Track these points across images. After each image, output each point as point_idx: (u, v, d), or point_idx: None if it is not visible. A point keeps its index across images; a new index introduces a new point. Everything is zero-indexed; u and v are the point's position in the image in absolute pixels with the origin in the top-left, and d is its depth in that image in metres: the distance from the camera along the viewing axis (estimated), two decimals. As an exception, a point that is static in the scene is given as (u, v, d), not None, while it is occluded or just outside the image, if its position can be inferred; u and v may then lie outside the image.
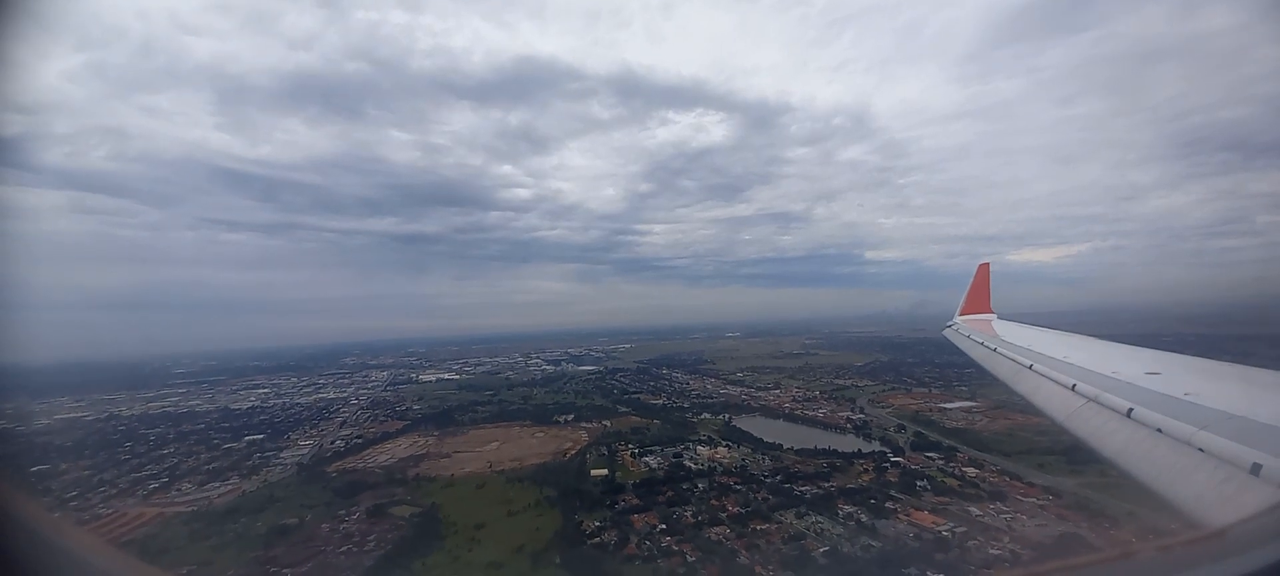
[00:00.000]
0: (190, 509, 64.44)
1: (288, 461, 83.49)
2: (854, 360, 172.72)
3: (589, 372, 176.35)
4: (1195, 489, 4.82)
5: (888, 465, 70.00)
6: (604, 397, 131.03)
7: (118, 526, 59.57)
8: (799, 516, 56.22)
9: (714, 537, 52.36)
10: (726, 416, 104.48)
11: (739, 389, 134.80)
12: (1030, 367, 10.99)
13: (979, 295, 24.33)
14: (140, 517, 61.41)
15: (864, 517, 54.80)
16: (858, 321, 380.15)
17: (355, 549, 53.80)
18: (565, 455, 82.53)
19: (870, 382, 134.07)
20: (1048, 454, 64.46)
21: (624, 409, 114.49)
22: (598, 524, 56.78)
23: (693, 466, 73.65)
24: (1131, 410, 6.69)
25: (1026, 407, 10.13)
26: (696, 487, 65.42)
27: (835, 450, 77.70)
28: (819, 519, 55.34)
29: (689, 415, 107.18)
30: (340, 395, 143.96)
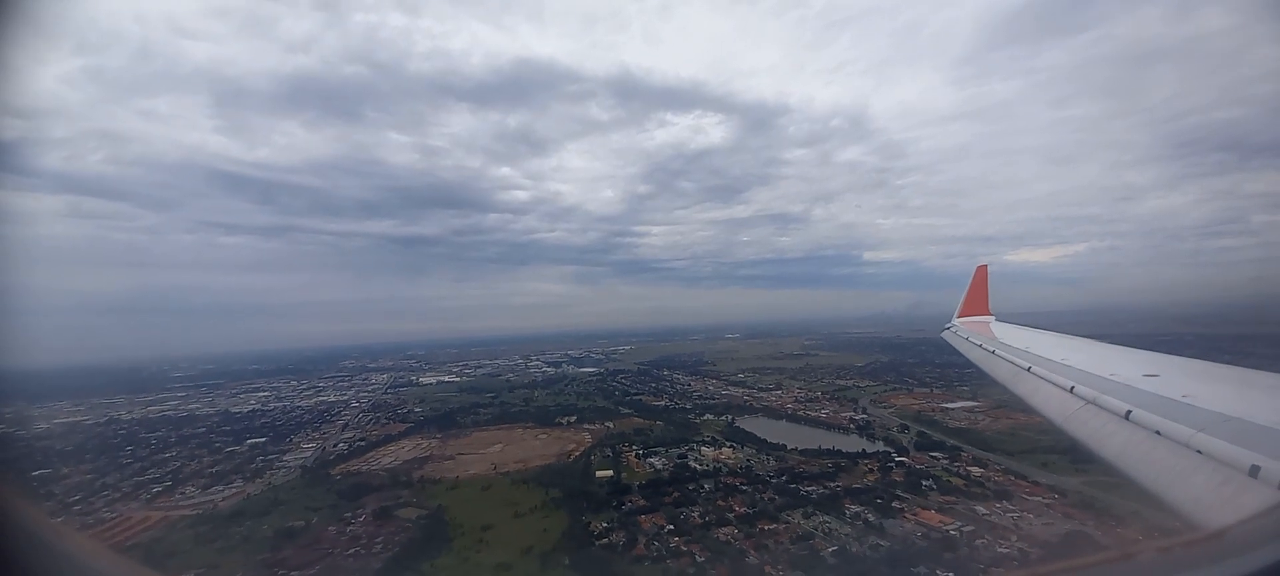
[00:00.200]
0: (195, 512, 64.20)
1: (291, 464, 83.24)
2: (854, 361, 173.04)
3: (590, 374, 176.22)
4: (1194, 491, 4.83)
5: (892, 465, 70.24)
6: (606, 399, 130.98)
7: (123, 530, 59.34)
8: (806, 516, 56.35)
9: (722, 538, 52.46)
10: (729, 417, 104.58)
11: (741, 390, 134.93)
12: (1029, 370, 11.03)
13: (977, 297, 24.36)
14: (145, 521, 61.16)
15: (871, 517, 54.97)
16: (856, 322, 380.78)
17: (363, 551, 53.68)
18: (569, 457, 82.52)
19: (871, 383, 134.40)
20: (1051, 453, 64.71)
21: (626, 410, 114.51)
22: (605, 525, 56.77)
23: (698, 467, 73.75)
24: (1130, 412, 6.70)
25: (1028, 408, 10.19)
26: (702, 488, 65.48)
27: (839, 450, 77.90)
28: (826, 518, 55.49)
29: (692, 416, 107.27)
30: (341, 398, 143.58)
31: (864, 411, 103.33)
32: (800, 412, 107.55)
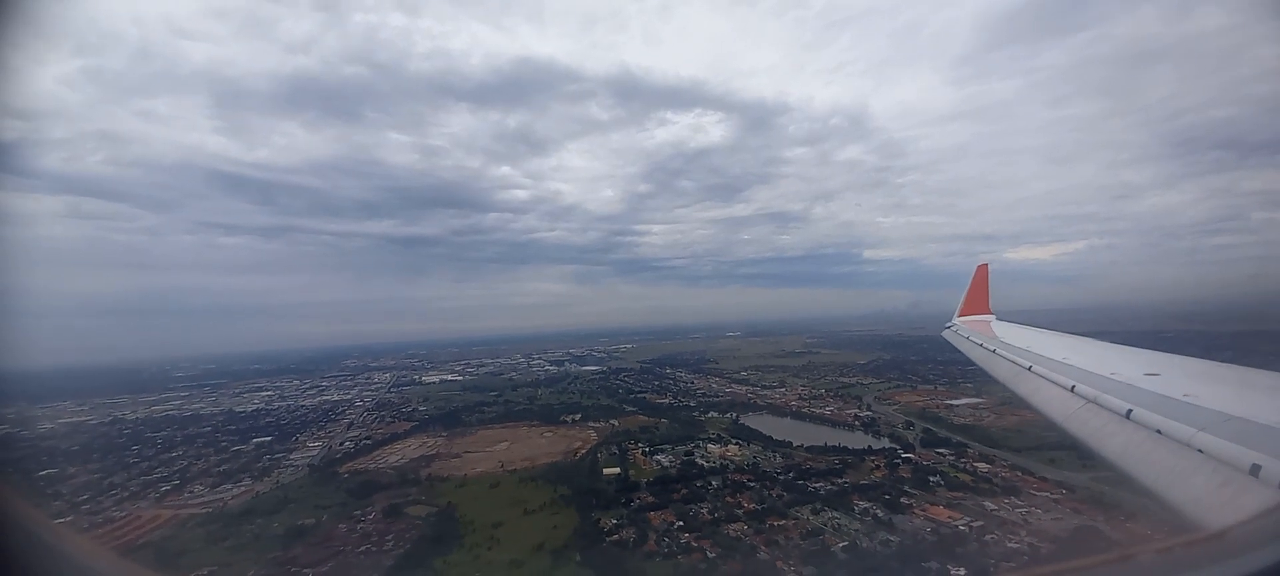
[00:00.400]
0: (205, 510, 64.31)
1: (298, 463, 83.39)
2: (856, 358, 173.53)
3: (592, 373, 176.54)
4: (1195, 490, 4.83)
5: (899, 461, 70.53)
6: (609, 397, 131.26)
7: (133, 528, 59.46)
8: (815, 512, 56.60)
9: (733, 534, 52.70)
10: (734, 415, 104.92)
11: (744, 388, 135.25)
12: (1029, 369, 11.04)
13: (978, 296, 24.32)
14: (156, 519, 61.26)
15: (880, 513, 55.21)
16: (856, 320, 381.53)
17: (374, 548, 53.84)
18: (576, 454, 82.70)
19: (874, 380, 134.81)
20: (1058, 449, 64.88)
21: (630, 408, 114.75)
22: (615, 521, 56.99)
23: (705, 464, 73.97)
24: (1130, 411, 6.68)
25: (1029, 407, 10.24)
26: (710, 485, 65.73)
27: (845, 447, 78.20)
28: (836, 514, 55.75)
29: (696, 414, 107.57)
30: (344, 397, 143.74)
31: (868, 408, 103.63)
32: (804, 410, 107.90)
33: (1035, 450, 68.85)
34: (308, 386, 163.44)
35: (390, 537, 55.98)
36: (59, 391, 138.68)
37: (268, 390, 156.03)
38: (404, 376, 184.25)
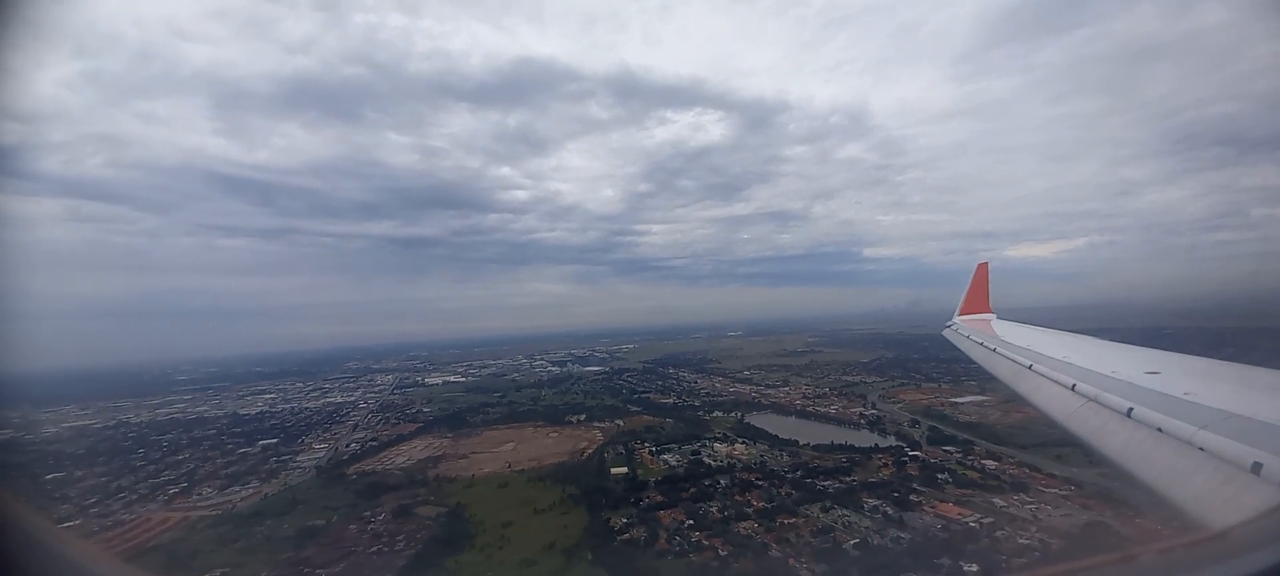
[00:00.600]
0: (214, 512, 64.34)
1: (305, 464, 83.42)
2: (859, 357, 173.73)
3: (595, 373, 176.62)
4: (1196, 488, 4.79)
5: (906, 459, 70.72)
6: (613, 397, 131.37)
7: (142, 531, 59.47)
8: (825, 510, 56.80)
9: (743, 532, 52.90)
10: (739, 414, 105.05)
11: (748, 387, 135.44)
12: (1030, 368, 11.00)
13: (978, 295, 24.16)
14: (165, 522, 61.29)
15: (890, 510, 55.41)
16: (857, 319, 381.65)
17: (386, 548, 53.95)
18: (583, 454, 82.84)
19: (878, 379, 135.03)
20: (1064, 446, 65.06)
21: (635, 408, 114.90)
22: (625, 520, 57.16)
23: (712, 463, 74.15)
24: (1131, 410, 6.65)
25: (1030, 405, 10.17)
26: (718, 484, 65.89)
27: (852, 445, 78.37)
28: (845, 512, 55.93)
29: (701, 413, 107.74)
30: (348, 399, 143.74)
31: (873, 407, 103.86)
32: (810, 409, 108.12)
33: (1042, 446, 69.03)
34: (311, 388, 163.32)
35: (401, 538, 56.09)
36: (61, 395, 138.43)
37: (271, 392, 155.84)
38: (407, 378, 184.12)
